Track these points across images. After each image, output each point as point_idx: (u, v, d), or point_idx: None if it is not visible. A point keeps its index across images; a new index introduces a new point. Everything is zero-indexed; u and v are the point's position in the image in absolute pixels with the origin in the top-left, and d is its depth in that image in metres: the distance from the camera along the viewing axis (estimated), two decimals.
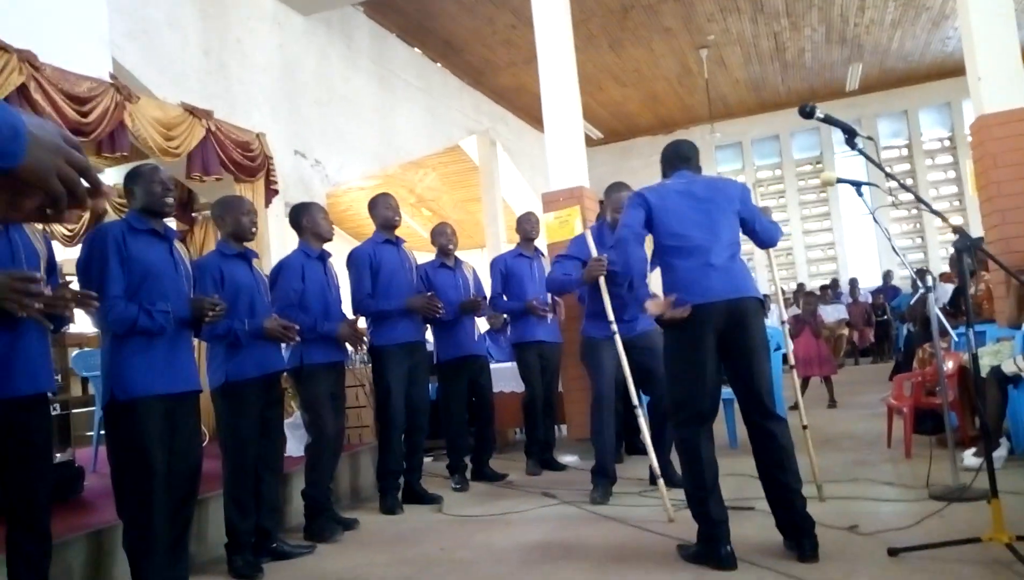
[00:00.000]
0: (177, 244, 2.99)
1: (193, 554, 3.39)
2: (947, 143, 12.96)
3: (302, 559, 3.44)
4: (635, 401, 3.81)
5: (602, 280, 3.94)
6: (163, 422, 2.75)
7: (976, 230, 6.23)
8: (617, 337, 3.88)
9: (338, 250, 4.77)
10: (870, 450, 4.73)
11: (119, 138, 4.75)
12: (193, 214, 6.51)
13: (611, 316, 3.89)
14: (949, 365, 4.37)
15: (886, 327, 11.68)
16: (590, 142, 12.76)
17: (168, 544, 2.77)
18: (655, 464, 3.71)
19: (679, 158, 3.18)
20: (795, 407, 6.66)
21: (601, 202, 4.55)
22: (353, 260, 4.42)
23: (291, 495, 4.08)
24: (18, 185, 0.96)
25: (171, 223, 6.72)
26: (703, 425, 2.85)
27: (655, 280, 3.72)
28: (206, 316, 2.89)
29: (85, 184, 0.98)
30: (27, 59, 4.08)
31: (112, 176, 6.25)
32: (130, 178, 2.87)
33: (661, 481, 3.64)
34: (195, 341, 3.21)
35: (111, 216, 6.27)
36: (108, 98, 4.61)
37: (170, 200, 2.96)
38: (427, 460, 5.64)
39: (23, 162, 0.90)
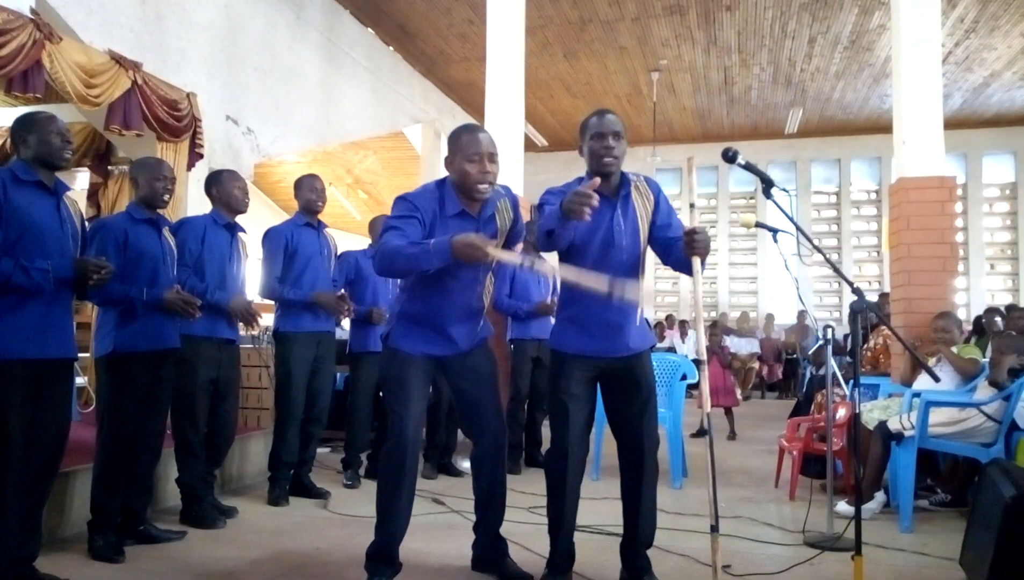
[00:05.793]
0: (67, 200, 2.82)
1: (54, 529, 3.22)
2: (873, 196, 13.47)
3: (169, 545, 3.30)
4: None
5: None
6: (28, 389, 2.58)
7: (889, 284, 6.44)
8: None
9: (267, 223, 4.62)
10: (758, 488, 4.83)
11: (34, 78, 4.46)
12: (109, 167, 6.22)
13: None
14: (842, 413, 4.51)
15: (794, 365, 12.06)
16: (535, 148, 12.76)
17: (19, 519, 2.59)
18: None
19: None
20: (698, 434, 6.89)
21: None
22: (268, 239, 4.27)
23: (168, 476, 3.90)
24: None
25: (84, 175, 6.39)
26: None
27: None
28: (90, 278, 2.73)
29: None
30: None
31: None
32: (21, 125, 2.68)
33: None
34: (84, 307, 3.03)
35: None
36: (26, 34, 4.32)
37: (68, 154, 2.79)
38: (324, 451, 5.51)
39: None
